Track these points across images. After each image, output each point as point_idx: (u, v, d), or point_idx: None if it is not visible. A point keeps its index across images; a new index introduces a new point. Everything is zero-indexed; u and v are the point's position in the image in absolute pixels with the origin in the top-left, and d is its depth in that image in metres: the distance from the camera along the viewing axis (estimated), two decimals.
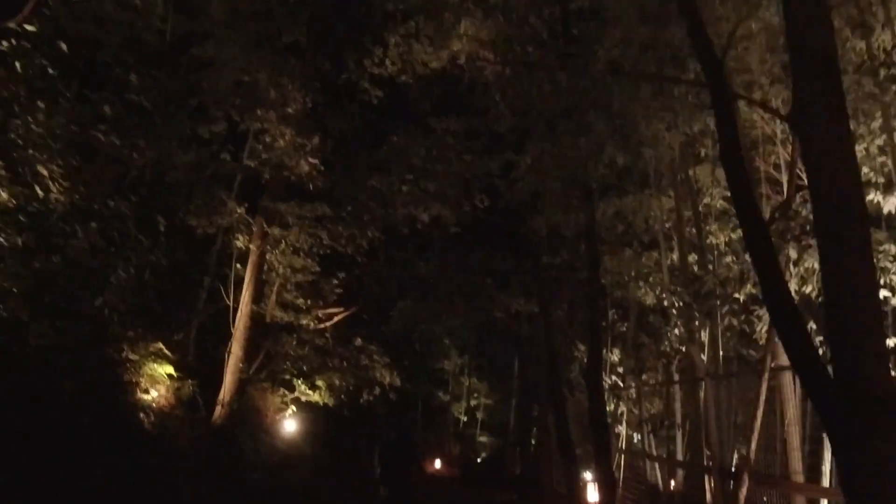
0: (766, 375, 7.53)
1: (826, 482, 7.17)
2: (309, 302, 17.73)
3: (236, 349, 13.36)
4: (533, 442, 21.71)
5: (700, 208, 11.77)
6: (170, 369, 12.69)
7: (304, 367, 18.63)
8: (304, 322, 17.42)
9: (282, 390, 18.32)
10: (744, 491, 7.70)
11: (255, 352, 18.36)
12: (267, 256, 13.44)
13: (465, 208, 13.91)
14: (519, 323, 16.83)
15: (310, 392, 18.05)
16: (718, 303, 9.75)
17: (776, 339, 7.65)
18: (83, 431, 9.53)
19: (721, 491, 8.64)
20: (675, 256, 13.25)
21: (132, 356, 12.39)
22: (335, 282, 18.38)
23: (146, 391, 12.06)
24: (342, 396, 18.83)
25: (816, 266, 6.96)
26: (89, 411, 9.90)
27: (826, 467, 7.23)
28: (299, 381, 17.93)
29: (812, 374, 4.62)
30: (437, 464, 29.40)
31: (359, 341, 18.79)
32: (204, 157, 13.61)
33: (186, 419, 13.10)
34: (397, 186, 12.88)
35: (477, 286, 15.82)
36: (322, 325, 18.62)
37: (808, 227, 6.94)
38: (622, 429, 15.36)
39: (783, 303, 4.84)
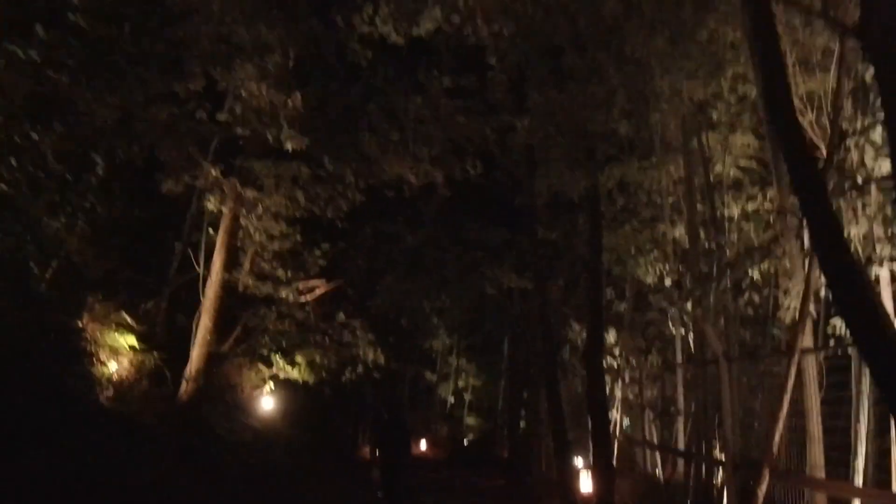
0: (796, 357, 6.60)
1: (860, 480, 6.28)
2: (289, 274, 16.73)
3: (205, 320, 12.37)
4: (522, 425, 20.87)
5: (711, 178, 10.81)
6: (132, 340, 11.71)
7: (284, 343, 17.70)
8: (283, 295, 16.43)
9: (259, 366, 17.38)
10: (763, 487, 6.80)
11: (230, 325, 17.42)
12: (241, 221, 12.39)
13: (456, 174, 12.88)
14: (511, 301, 15.88)
15: (289, 369, 17.10)
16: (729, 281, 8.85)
17: (805, 318, 6.77)
18: (25, 405, 8.53)
19: (734, 485, 7.76)
20: (679, 231, 12.32)
21: (90, 325, 11.39)
22: (318, 252, 17.39)
23: (104, 363, 11.06)
24: (323, 374, 17.90)
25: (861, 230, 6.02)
26: (34, 382, 8.89)
27: (859, 463, 6.33)
28: (278, 357, 16.98)
29: (881, 348, 3.70)
30: (423, 445, 28.58)
31: (341, 316, 17.82)
32: (178, 115, 12.59)
33: (152, 395, 12.13)
34: (383, 146, 11.81)
35: (469, 260, 14.84)
36: (303, 299, 17.63)
37: (855, 182, 5.97)
38: (615, 414, 14.51)
39: (842, 259, 3.90)
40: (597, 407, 8.56)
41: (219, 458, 12.04)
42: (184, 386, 12.11)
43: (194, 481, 10.66)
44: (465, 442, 32.99)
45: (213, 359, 15.39)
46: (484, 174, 15.60)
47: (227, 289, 13.00)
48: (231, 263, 12.43)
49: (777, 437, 6.78)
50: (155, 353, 12.53)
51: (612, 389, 14.27)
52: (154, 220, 15.82)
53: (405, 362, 27.49)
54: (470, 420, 34.18)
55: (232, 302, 16.86)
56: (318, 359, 17.90)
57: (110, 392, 10.85)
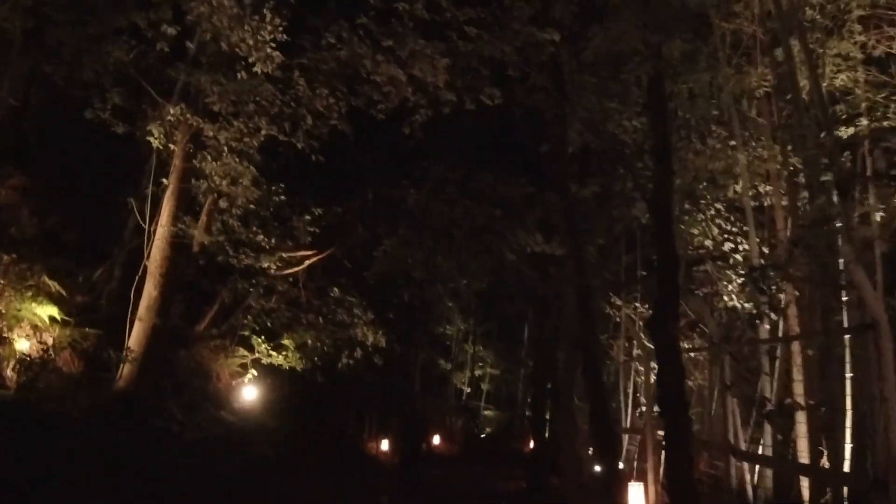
0: None
1: None
2: (273, 241, 14.15)
3: (150, 287, 9.78)
4: (547, 417, 18.14)
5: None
6: (53, 311, 9.15)
7: (269, 323, 15.16)
8: (265, 264, 13.85)
9: (241, 350, 14.86)
10: None
11: (206, 301, 14.93)
12: (198, 164, 9.78)
13: (468, 102, 10.17)
14: (537, 269, 13.14)
15: (273, 354, 14.55)
16: None
17: None
18: None
19: None
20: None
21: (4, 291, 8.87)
22: (307, 218, 14.79)
23: (11, 340, 8.53)
24: (316, 360, 15.34)
25: None
26: None
27: None
28: (259, 340, 14.42)
29: None
30: (436, 439, 26.00)
31: (336, 291, 15.24)
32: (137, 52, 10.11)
33: (82, 380, 9.61)
34: (372, 60, 9.11)
35: (483, 218, 12.14)
36: (291, 271, 15.06)
37: None
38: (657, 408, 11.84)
39: None
40: (672, 400, 5.88)
41: (165, 459, 9.47)
42: (124, 370, 9.53)
43: (120, 489, 8.12)
44: (482, 435, 30.38)
45: (171, 338, 12.88)
46: (502, 110, 12.90)
47: (184, 251, 10.36)
48: (185, 216, 9.80)
49: None
50: (90, 329, 9.98)
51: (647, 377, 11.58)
52: (111, 174, 13.36)
53: (415, 347, 24.86)
54: (487, 412, 31.54)
55: (208, 275, 14.40)
56: (309, 341, 15.36)
57: (13, 376, 8.31)
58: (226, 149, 9.82)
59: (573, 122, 12.08)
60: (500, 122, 14.57)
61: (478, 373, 31.40)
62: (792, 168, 8.36)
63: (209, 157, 9.55)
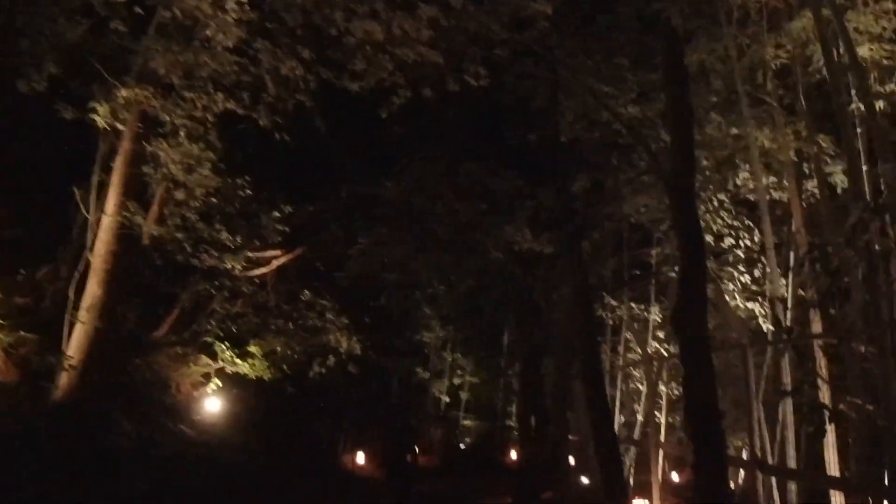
0: None
1: None
2: (238, 239, 13.08)
3: (93, 286, 8.65)
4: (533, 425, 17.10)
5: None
6: None
7: (235, 329, 14.04)
8: (229, 265, 12.77)
9: (203, 359, 13.71)
10: None
11: (166, 305, 13.78)
12: (149, 147, 8.70)
13: (452, 85, 9.20)
14: (525, 269, 12.20)
15: (239, 362, 13.42)
16: None
17: None
18: None
19: None
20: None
21: None
22: (276, 215, 13.74)
23: None
24: (285, 368, 14.23)
25: None
26: None
27: None
28: (223, 347, 13.30)
29: None
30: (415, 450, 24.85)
31: (307, 294, 14.17)
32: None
33: (20, 389, 8.46)
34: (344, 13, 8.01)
35: (468, 214, 11.17)
36: (258, 272, 13.99)
37: None
38: (660, 417, 10.94)
39: None
40: (703, 406, 4.91)
41: (110, 480, 8.34)
42: (64, 379, 8.38)
43: None
44: (462, 446, 29.31)
45: (124, 344, 11.76)
46: (488, 101, 11.97)
47: (134, 244, 9.24)
48: (134, 206, 8.69)
49: None
50: (30, 333, 8.83)
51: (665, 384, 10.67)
52: (61, 165, 12.20)
53: (393, 355, 23.80)
54: (467, 422, 30.45)
55: (168, 276, 13.26)
56: (278, 348, 14.26)
57: None
58: (182, 132, 8.74)
59: (564, 112, 11.23)
60: (486, 114, 13.65)
61: (457, 381, 30.34)
62: (816, 148, 7.52)
63: (162, 140, 8.47)
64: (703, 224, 10.74)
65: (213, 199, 11.73)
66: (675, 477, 12.24)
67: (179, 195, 9.85)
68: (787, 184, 9.35)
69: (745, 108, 8.75)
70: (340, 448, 21.33)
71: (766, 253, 7.90)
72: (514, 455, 29.88)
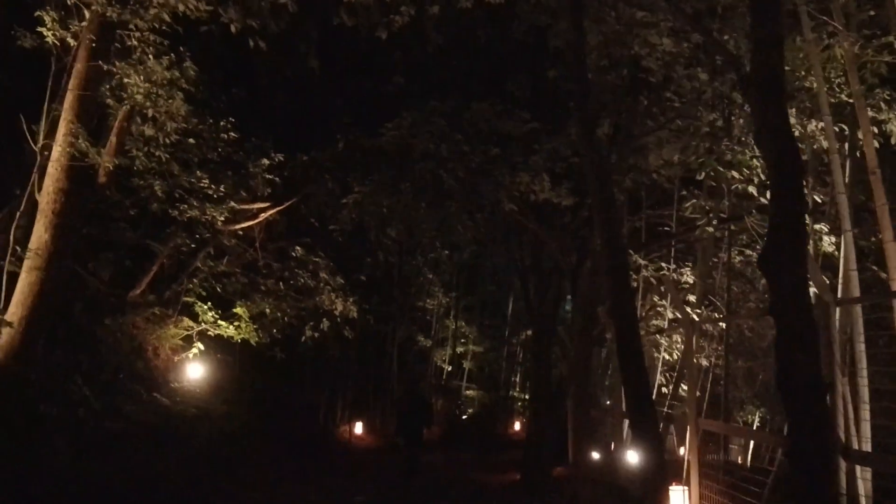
0: None
1: None
2: (223, 189, 11.78)
3: (39, 230, 7.33)
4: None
5: None
6: None
7: (219, 289, 12.81)
8: (211, 216, 11.49)
9: (185, 321, 12.49)
10: None
11: (142, 262, 12.51)
12: (106, 67, 7.32)
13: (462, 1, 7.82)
14: (540, 221, 10.87)
15: (222, 324, 12.20)
16: None
17: None
18: None
19: None
20: None
21: None
22: (265, 163, 12.41)
23: None
24: (275, 332, 13.01)
25: None
26: None
27: None
28: (205, 308, 12.06)
29: None
30: None
31: (298, 251, 12.91)
32: None
33: None
34: None
35: (478, 159, 9.84)
36: (245, 225, 12.71)
37: None
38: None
39: None
40: (802, 377, 3.61)
41: (57, 460, 7.13)
42: (4, 337, 7.12)
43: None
44: (464, 417, 28.32)
45: (92, 303, 10.56)
46: (499, 42, 10.60)
47: (91, 184, 7.89)
48: (86, 137, 7.33)
49: None
50: None
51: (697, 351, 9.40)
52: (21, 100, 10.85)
53: (393, 320, 22.67)
54: (469, 392, 29.42)
55: (144, 230, 11.99)
56: (268, 310, 13.02)
57: None
58: (147, 50, 7.37)
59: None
60: (495, 60, 12.27)
61: (459, 350, 29.23)
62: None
63: (122, 58, 7.12)
64: (748, 171, 9.49)
65: (191, 141, 10.46)
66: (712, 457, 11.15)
67: (148, 130, 8.51)
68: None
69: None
70: (338, 418, 20.28)
71: (839, 199, 6.59)
72: (517, 426, 29.07)
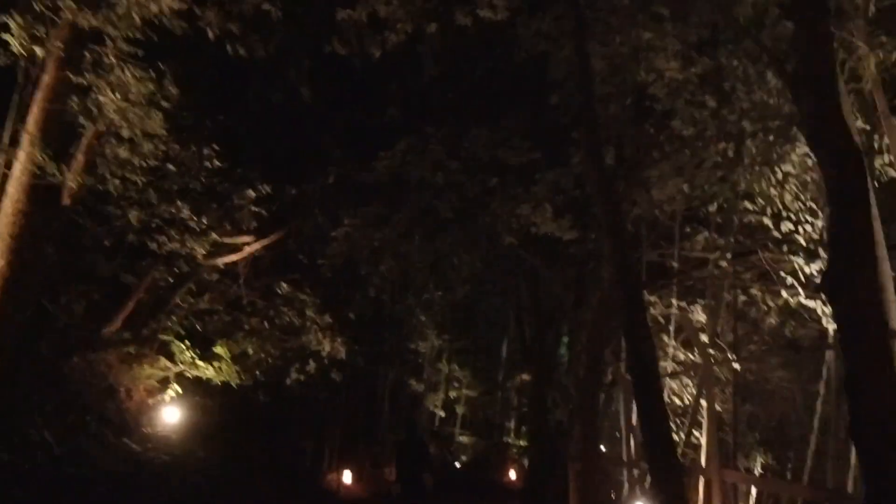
0: None
1: None
2: (206, 221, 11.16)
3: None
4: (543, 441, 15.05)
5: None
6: None
7: (200, 327, 12.10)
8: (192, 249, 10.85)
9: (162, 361, 11.73)
10: None
11: (119, 297, 11.79)
12: (76, 80, 6.75)
13: (462, 19, 7.35)
14: (541, 256, 10.25)
15: (201, 364, 11.45)
16: None
17: None
18: None
19: None
20: None
21: None
22: (250, 194, 11.82)
23: None
24: (258, 374, 12.25)
25: None
26: None
27: None
28: (182, 347, 11.33)
29: None
30: None
31: (284, 287, 12.24)
32: None
33: None
34: None
35: (476, 189, 9.28)
36: (228, 259, 12.06)
37: None
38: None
39: None
40: (883, 417, 2.99)
41: None
42: None
43: None
44: (457, 464, 27.27)
45: (60, 340, 9.84)
46: (500, 69, 10.15)
47: (58, 209, 7.26)
48: (54, 153, 6.71)
49: None
50: None
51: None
52: None
53: (384, 364, 21.87)
54: (463, 438, 28.42)
55: (121, 262, 11.30)
56: (251, 350, 12.29)
57: None
58: (122, 66, 6.83)
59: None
60: (494, 85, 11.82)
61: (453, 395, 28.32)
62: None
63: (94, 70, 6.55)
64: (763, 202, 8.95)
65: (171, 167, 9.88)
66: None
67: (123, 153, 7.92)
68: None
69: None
70: (325, 465, 19.32)
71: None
72: (512, 474, 28.03)
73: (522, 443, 32.69)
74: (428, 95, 13.27)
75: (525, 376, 29.53)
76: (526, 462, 30.10)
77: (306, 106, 14.62)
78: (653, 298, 9.70)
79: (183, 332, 11.74)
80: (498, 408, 30.35)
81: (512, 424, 31.55)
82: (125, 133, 7.70)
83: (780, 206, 8.62)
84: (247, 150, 13.13)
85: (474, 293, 23.67)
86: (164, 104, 7.86)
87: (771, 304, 9.83)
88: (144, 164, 8.28)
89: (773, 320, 10.59)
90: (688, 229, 11.49)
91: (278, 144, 14.09)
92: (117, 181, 8.28)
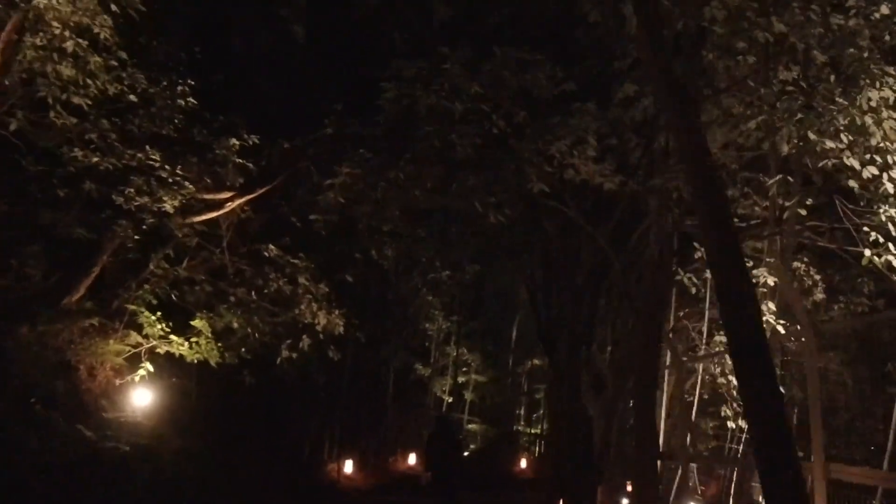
0: None
1: None
2: (180, 170, 9.55)
3: None
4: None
5: None
6: None
7: (175, 296, 10.52)
8: (165, 204, 9.26)
9: (132, 335, 10.13)
10: None
11: (80, 263, 10.17)
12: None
13: None
14: (579, 209, 8.54)
15: (174, 338, 9.84)
16: None
17: None
18: None
19: None
20: None
21: None
22: (234, 143, 10.19)
23: None
24: (243, 351, 10.65)
25: None
26: None
27: None
28: (151, 318, 9.73)
29: None
30: (412, 459, 21.35)
31: (273, 250, 10.64)
32: None
33: None
34: None
35: (499, 124, 7.62)
36: (206, 217, 10.46)
37: None
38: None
39: None
40: None
41: None
42: None
43: None
44: (465, 454, 25.75)
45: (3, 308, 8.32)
46: None
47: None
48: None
49: None
50: None
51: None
52: None
53: (389, 345, 20.35)
54: (472, 426, 26.96)
55: (77, 216, 9.64)
56: (236, 325, 10.69)
57: None
58: None
59: None
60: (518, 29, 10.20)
61: (461, 380, 26.81)
62: None
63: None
64: (850, 130, 7.31)
65: (132, 97, 8.25)
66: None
67: (67, 70, 6.31)
68: None
69: None
70: (325, 455, 17.85)
71: None
72: (524, 464, 26.62)
73: (533, 431, 31.34)
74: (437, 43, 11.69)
75: (536, 361, 28.23)
76: (536, 451, 28.82)
77: (301, 51, 13.01)
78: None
79: (155, 302, 10.14)
80: (508, 393, 28.96)
81: (522, 411, 30.20)
82: (69, 46, 6.12)
83: (879, 140, 6.95)
84: (230, 95, 11.51)
85: (481, 274, 22.21)
86: (114, 7, 6.26)
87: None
88: (93, 86, 6.65)
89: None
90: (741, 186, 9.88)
91: (268, 90, 12.43)
92: (59, 106, 6.66)
